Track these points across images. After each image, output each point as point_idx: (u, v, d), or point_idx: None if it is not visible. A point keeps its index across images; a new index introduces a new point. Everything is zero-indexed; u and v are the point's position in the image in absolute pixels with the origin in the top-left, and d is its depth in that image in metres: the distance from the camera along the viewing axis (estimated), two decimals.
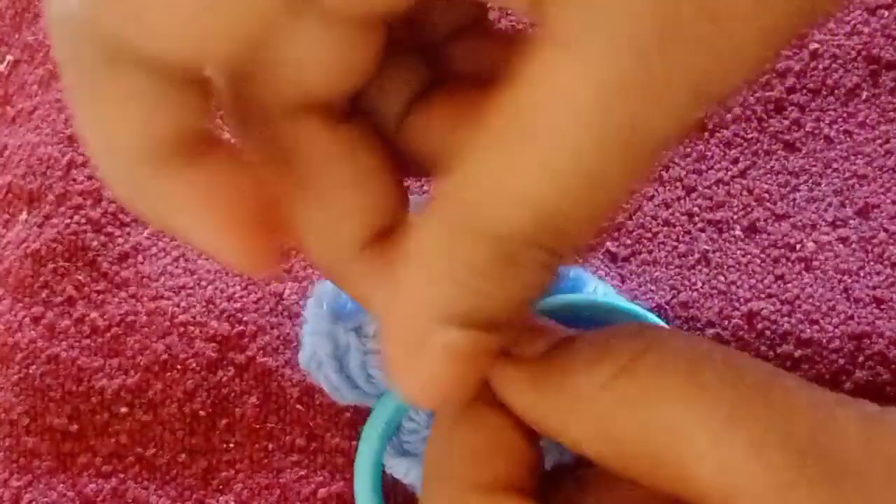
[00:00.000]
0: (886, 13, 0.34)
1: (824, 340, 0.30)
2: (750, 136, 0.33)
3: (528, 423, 0.22)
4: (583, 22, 0.18)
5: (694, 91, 0.19)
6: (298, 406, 0.31)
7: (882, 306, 0.31)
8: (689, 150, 0.33)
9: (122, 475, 0.31)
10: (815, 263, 0.31)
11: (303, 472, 0.31)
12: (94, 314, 0.32)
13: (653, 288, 0.32)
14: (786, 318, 0.31)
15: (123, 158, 0.20)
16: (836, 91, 0.33)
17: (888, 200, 0.32)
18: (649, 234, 0.32)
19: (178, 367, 0.32)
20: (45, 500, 0.31)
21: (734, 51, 0.19)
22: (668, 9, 0.18)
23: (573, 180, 0.19)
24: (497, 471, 0.22)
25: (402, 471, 0.28)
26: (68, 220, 0.33)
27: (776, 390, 0.20)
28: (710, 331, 0.31)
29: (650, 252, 0.32)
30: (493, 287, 0.20)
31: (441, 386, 0.20)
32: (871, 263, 0.31)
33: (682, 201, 0.32)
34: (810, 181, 0.32)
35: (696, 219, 0.32)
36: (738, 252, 0.32)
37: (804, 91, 0.33)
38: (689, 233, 0.32)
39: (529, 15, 0.20)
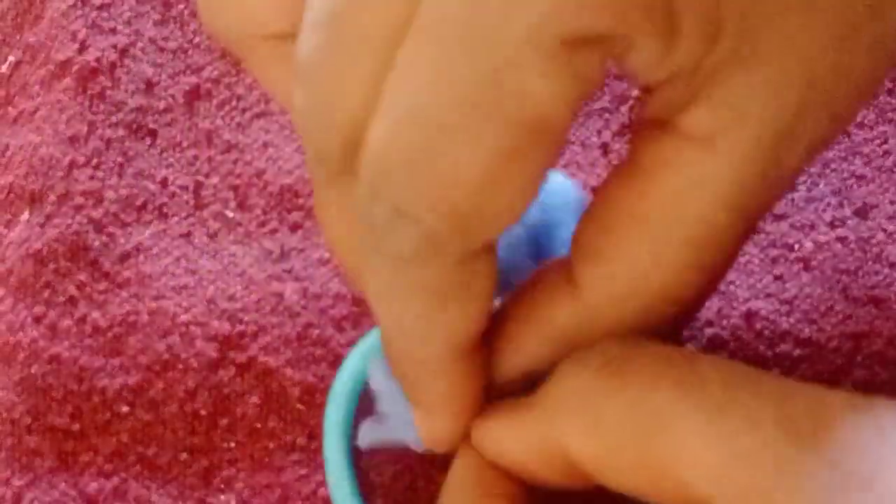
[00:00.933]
0: None
1: (823, 340, 0.31)
2: None
3: (512, 465, 0.23)
4: (725, 121, 0.19)
5: (808, 161, 0.20)
6: (299, 406, 0.31)
7: (880, 306, 0.31)
8: None
9: (123, 474, 0.31)
10: (814, 263, 0.31)
11: (304, 472, 0.31)
12: (95, 314, 0.32)
13: None
14: (784, 318, 0.31)
15: (439, 352, 0.22)
16: None
17: (886, 200, 0.32)
18: None
19: (180, 366, 0.32)
20: (47, 498, 0.31)
21: (849, 119, 0.20)
22: (803, 101, 0.19)
23: (708, 260, 0.21)
24: None
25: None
26: (70, 221, 0.33)
27: (767, 377, 0.20)
28: (709, 330, 0.31)
29: None
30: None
31: None
32: (870, 263, 0.31)
33: None
34: (809, 181, 0.32)
35: None
36: None
37: None
38: None
39: (657, 110, 0.20)
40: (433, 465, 0.30)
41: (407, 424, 0.27)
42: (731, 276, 0.31)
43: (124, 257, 0.33)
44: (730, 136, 0.19)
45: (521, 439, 0.22)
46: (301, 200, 0.33)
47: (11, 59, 0.36)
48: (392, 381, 0.27)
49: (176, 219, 0.33)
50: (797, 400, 0.19)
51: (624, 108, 0.33)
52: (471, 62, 0.17)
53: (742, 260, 0.32)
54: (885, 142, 0.33)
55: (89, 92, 0.34)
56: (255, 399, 0.31)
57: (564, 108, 0.18)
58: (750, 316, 0.31)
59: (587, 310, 0.22)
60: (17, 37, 0.36)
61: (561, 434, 0.21)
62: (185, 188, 0.34)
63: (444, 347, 0.22)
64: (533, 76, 0.18)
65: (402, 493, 0.31)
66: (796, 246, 0.32)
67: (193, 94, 0.34)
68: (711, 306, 0.31)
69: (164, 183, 0.34)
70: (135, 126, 0.34)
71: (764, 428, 0.18)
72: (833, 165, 0.33)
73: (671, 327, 0.23)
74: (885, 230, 0.32)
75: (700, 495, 0.19)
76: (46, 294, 0.33)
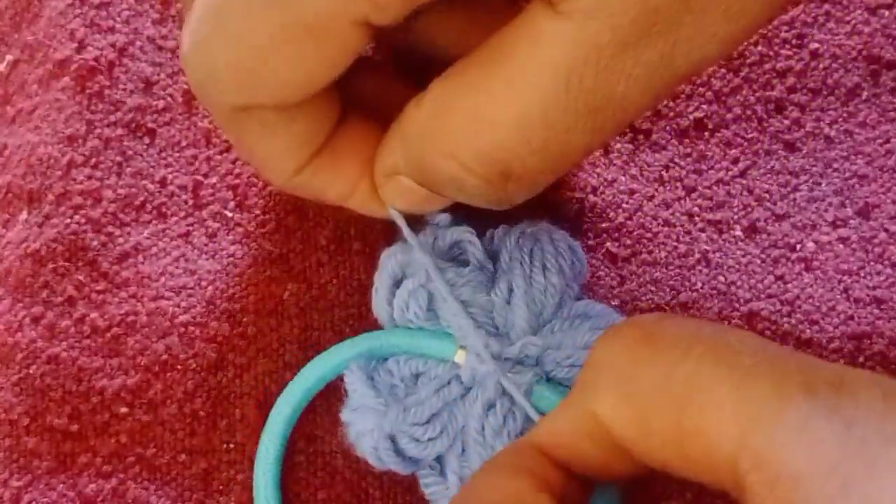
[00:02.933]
0: (886, 13, 0.33)
1: (824, 341, 0.30)
2: (750, 136, 0.33)
3: (567, 450, 0.23)
4: None
5: (660, 66, 0.21)
6: None
7: (882, 306, 0.31)
8: (689, 150, 0.33)
9: (122, 475, 0.31)
10: (816, 264, 0.31)
11: (302, 473, 0.31)
12: (94, 314, 0.32)
13: (653, 288, 0.32)
14: (786, 319, 0.31)
15: (280, 176, 0.28)
16: (836, 91, 0.33)
17: (888, 200, 0.32)
18: (649, 235, 0.32)
19: (179, 367, 0.32)
20: (45, 500, 0.31)
21: (700, 32, 0.20)
22: None
23: (535, 130, 0.22)
24: None
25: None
26: (68, 220, 0.33)
27: (793, 352, 0.20)
28: None
29: (650, 252, 0.32)
30: (441, 190, 0.25)
31: (399, 202, 0.28)
32: (872, 263, 0.31)
33: (682, 201, 0.32)
34: (810, 181, 0.32)
35: (696, 219, 0.32)
36: (739, 252, 0.32)
37: (804, 91, 0.33)
38: (689, 233, 0.32)
39: None
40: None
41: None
42: (732, 276, 0.31)
43: (123, 257, 0.33)
44: (569, 7, 0.20)
45: (567, 419, 0.23)
46: (300, 200, 0.33)
47: (9, 58, 0.36)
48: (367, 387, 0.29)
49: (175, 219, 0.33)
50: (822, 371, 0.19)
51: None
52: None
53: (743, 260, 0.32)
54: (888, 141, 0.33)
55: (88, 91, 0.34)
56: (254, 400, 0.31)
57: (344, 17, 0.21)
58: (751, 316, 0.31)
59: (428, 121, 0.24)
60: (16, 36, 0.36)
61: (596, 404, 0.22)
62: (183, 188, 0.33)
63: (284, 173, 0.28)
64: None
65: (401, 494, 0.31)
66: (798, 246, 0.32)
67: (192, 94, 0.34)
68: (713, 307, 0.31)
69: (162, 182, 0.33)
70: (133, 125, 0.34)
71: (788, 392, 0.19)
72: (835, 165, 0.32)
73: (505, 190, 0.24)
74: (887, 230, 0.32)
75: (724, 456, 0.19)
76: (45, 294, 0.32)
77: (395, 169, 0.26)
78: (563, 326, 0.29)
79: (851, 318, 0.31)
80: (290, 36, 0.22)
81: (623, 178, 0.33)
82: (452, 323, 0.28)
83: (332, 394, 0.31)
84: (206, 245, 0.33)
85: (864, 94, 0.33)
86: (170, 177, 0.34)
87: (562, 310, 0.29)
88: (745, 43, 0.34)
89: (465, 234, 0.29)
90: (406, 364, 0.29)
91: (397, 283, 0.29)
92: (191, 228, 0.33)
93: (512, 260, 0.29)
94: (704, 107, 0.33)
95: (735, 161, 0.33)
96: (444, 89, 0.23)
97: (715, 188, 0.32)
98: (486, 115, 0.22)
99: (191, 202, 0.33)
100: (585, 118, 0.21)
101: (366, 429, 0.29)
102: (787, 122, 0.33)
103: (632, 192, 0.32)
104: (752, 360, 0.20)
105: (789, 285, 0.31)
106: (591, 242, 0.32)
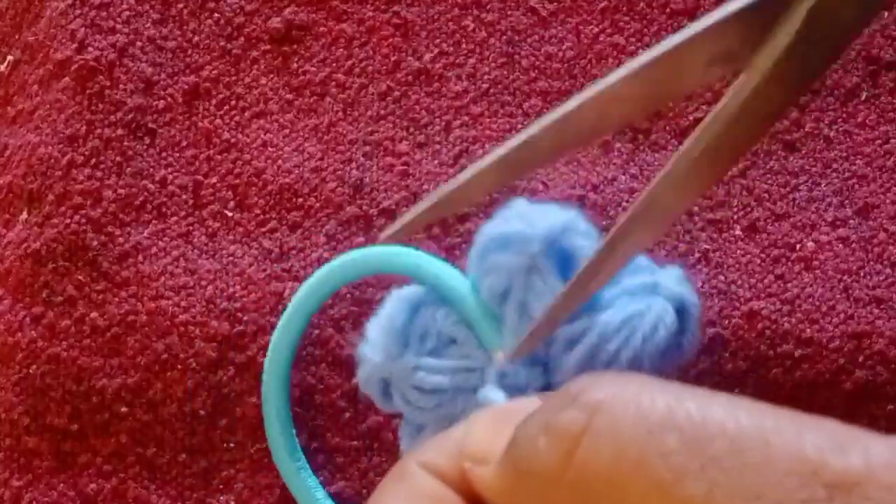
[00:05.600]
0: (886, 13, 0.34)
1: (824, 340, 0.30)
2: None
3: None
4: None
5: None
6: (298, 407, 0.31)
7: (882, 306, 0.31)
8: None
9: (122, 475, 0.31)
10: (815, 263, 0.31)
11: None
12: (94, 314, 0.32)
13: None
14: (786, 318, 0.31)
15: None
16: (835, 91, 0.33)
17: (888, 200, 0.32)
18: None
19: (179, 366, 0.32)
20: (46, 499, 0.31)
21: None
22: None
23: None
24: None
25: None
26: (68, 220, 0.33)
27: (751, 444, 0.18)
28: (711, 330, 0.31)
29: (650, 252, 0.32)
30: None
31: None
32: (871, 263, 0.31)
33: None
34: (810, 181, 0.32)
35: (696, 218, 0.32)
36: (738, 252, 0.32)
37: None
38: (689, 232, 0.32)
39: None
40: None
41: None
42: (732, 275, 0.31)
43: (123, 257, 0.33)
44: None
45: None
46: (300, 200, 0.33)
47: (10, 58, 0.36)
48: None
49: (175, 218, 0.33)
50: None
51: None
52: None
53: (743, 260, 0.32)
54: (887, 142, 0.33)
55: (88, 91, 0.34)
56: (254, 399, 0.31)
57: None
58: (752, 316, 0.31)
59: None
60: (16, 36, 0.36)
61: None
62: (184, 188, 0.33)
63: None
64: None
65: None
66: (798, 246, 0.32)
67: (192, 94, 0.34)
68: (713, 306, 0.31)
69: (162, 182, 0.33)
70: (134, 125, 0.34)
71: None
72: (834, 165, 0.32)
73: None
74: (886, 230, 0.32)
75: None
76: (45, 294, 0.32)
77: None
78: None
79: (851, 317, 0.31)
80: None
81: (623, 177, 0.33)
82: (516, 331, 0.27)
83: (332, 389, 0.31)
84: (206, 245, 0.33)
85: (864, 95, 0.33)
86: (170, 177, 0.34)
87: None
88: None
89: (580, 239, 0.27)
90: (453, 325, 0.28)
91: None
92: (191, 228, 0.33)
93: (617, 307, 0.27)
94: (704, 107, 0.33)
95: None
96: None
97: (715, 188, 0.32)
98: None
99: (191, 202, 0.33)
100: None
101: (372, 362, 0.27)
102: (786, 122, 0.33)
103: (632, 191, 0.32)
104: (699, 472, 0.18)
105: (789, 284, 0.31)
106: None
